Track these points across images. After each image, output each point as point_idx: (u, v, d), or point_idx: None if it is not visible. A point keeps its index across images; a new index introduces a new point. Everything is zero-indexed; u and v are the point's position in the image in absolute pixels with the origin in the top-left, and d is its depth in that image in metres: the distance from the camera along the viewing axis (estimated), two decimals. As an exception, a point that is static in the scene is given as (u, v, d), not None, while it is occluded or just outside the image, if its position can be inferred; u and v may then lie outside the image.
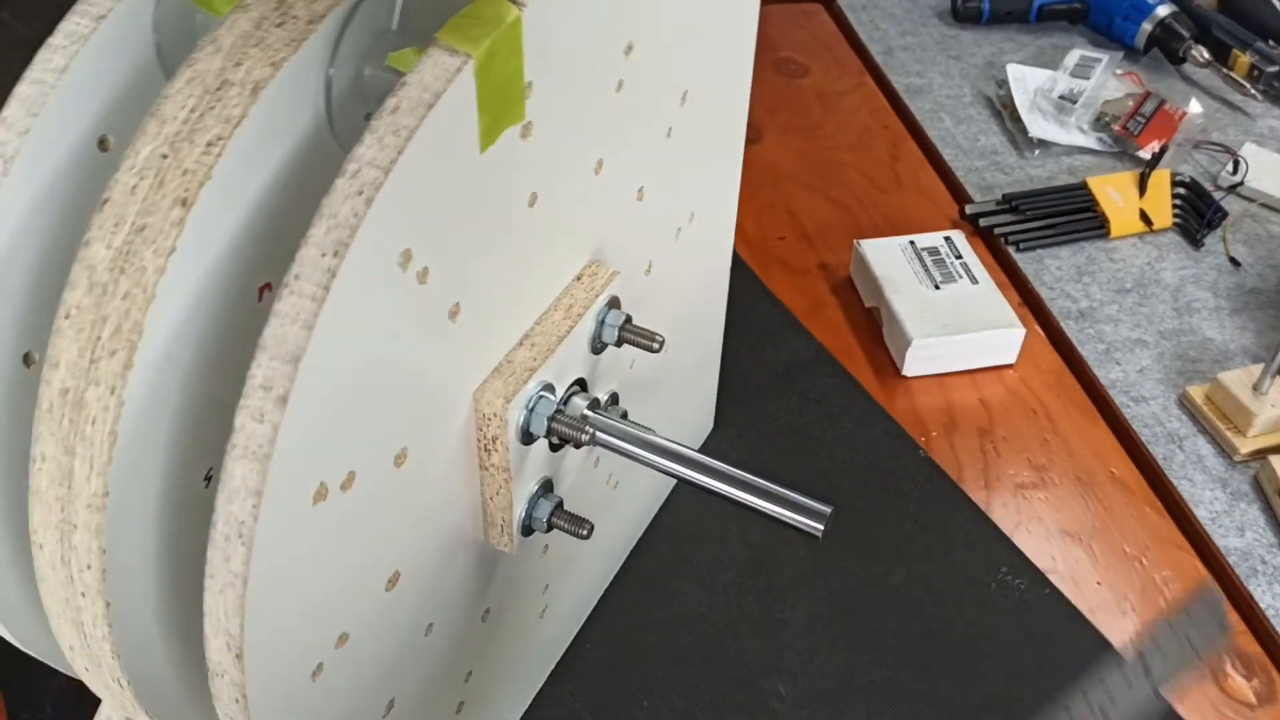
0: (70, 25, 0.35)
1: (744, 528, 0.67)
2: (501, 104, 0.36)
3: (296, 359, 0.31)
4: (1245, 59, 1.04)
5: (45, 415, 0.35)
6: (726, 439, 0.72)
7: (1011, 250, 0.88)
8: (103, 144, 0.37)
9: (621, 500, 0.61)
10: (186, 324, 0.35)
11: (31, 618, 0.42)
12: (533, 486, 0.45)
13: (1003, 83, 1.04)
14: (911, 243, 0.83)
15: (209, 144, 0.34)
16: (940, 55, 1.10)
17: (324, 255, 0.31)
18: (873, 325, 0.82)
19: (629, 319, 0.46)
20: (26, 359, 0.38)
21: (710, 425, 0.72)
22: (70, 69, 0.35)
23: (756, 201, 0.92)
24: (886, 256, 0.82)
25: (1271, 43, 1.05)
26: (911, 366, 0.78)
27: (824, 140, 1.00)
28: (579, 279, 0.46)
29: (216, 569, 0.32)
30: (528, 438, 0.43)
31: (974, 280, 0.80)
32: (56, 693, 0.57)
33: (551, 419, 0.42)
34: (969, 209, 0.91)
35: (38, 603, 0.38)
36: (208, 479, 0.39)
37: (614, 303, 0.46)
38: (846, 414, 0.75)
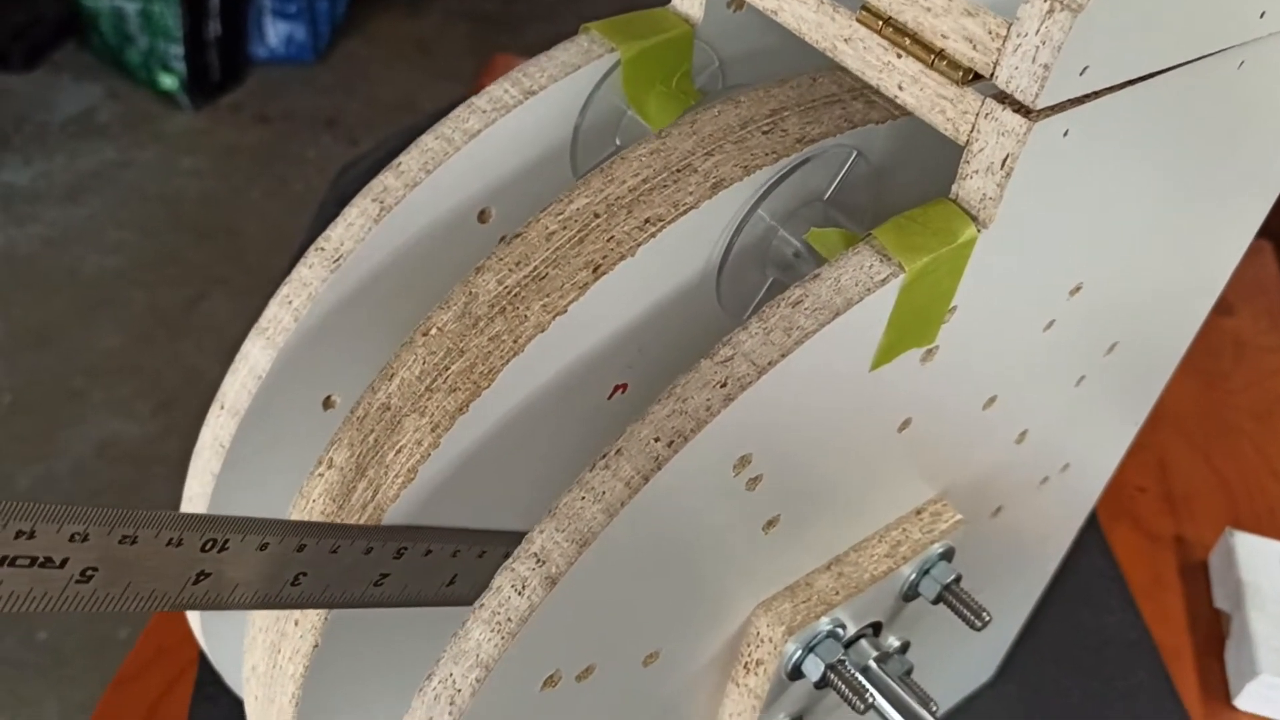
0: (497, 91, 0.33)
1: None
2: (915, 324, 0.30)
3: (584, 543, 0.27)
4: None
5: (353, 422, 0.32)
6: (1001, 697, 0.63)
7: None
8: (483, 215, 0.34)
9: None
10: (530, 388, 0.32)
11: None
12: (781, 719, 0.39)
13: None
14: (1296, 556, 0.70)
15: (647, 220, 0.31)
16: (1399, 345, 0.94)
17: (657, 440, 0.27)
18: (1217, 631, 0.69)
19: (958, 578, 0.39)
20: (327, 402, 0.36)
21: (990, 674, 0.63)
22: (482, 135, 0.32)
23: (1126, 438, 0.81)
24: (1261, 562, 0.69)
25: None
26: (1247, 700, 0.65)
27: (1226, 395, 0.87)
28: (918, 514, 0.39)
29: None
30: (796, 674, 0.37)
31: (1360, 629, 0.66)
32: None
33: (830, 668, 0.36)
34: (1379, 539, 0.76)
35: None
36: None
37: (948, 554, 0.39)
38: (1150, 724, 0.63)
